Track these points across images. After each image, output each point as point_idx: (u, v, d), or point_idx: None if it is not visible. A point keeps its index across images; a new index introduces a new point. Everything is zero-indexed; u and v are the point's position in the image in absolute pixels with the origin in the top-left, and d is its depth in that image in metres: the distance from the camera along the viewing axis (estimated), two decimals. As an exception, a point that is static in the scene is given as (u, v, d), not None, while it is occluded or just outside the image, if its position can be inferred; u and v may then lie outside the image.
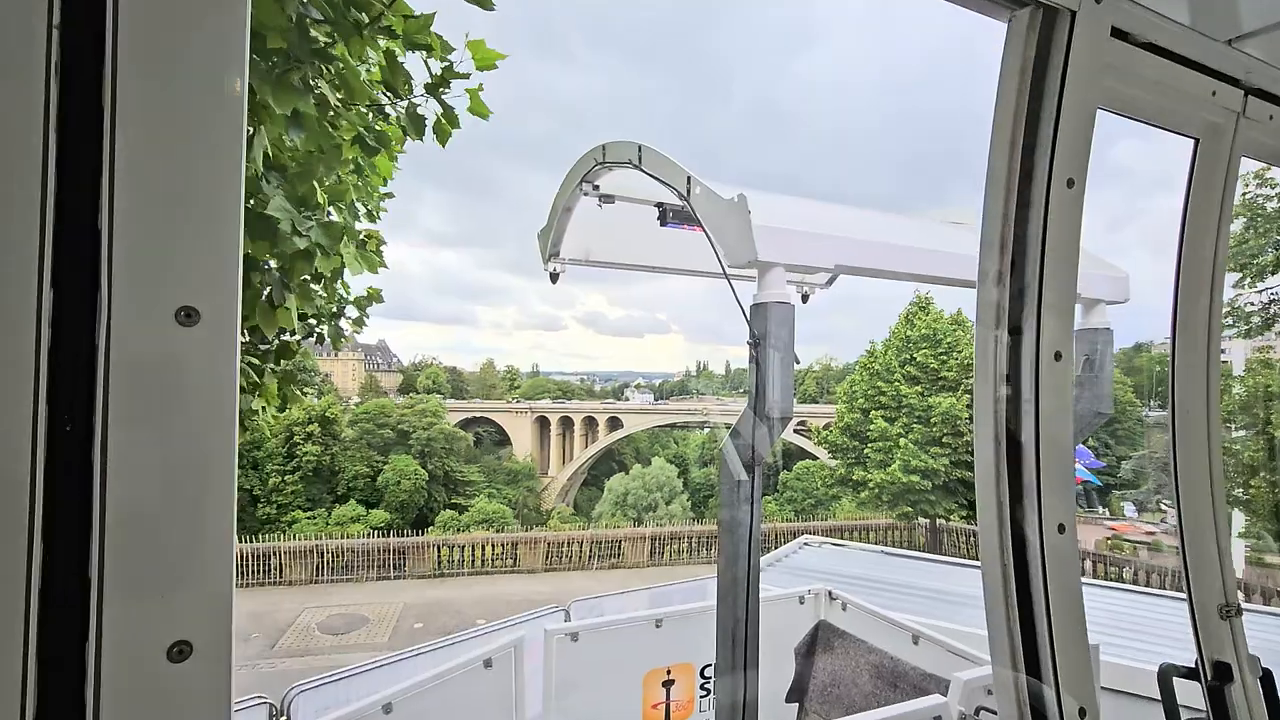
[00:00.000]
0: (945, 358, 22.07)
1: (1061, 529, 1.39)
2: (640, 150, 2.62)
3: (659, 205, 3.25)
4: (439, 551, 18.94)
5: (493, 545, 19.59)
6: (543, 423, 63.62)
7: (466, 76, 2.56)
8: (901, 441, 21.06)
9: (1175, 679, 1.84)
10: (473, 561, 19.27)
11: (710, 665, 4.16)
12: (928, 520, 22.30)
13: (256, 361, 4.58)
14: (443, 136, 2.78)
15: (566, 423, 63.70)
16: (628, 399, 72.31)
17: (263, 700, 5.77)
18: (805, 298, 4.41)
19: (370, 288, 5.08)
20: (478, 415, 63.69)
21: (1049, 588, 1.36)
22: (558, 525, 39.67)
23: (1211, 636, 1.76)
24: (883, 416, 22.11)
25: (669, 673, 4.00)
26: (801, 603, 4.57)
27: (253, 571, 17.99)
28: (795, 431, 53.90)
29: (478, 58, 2.48)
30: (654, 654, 3.98)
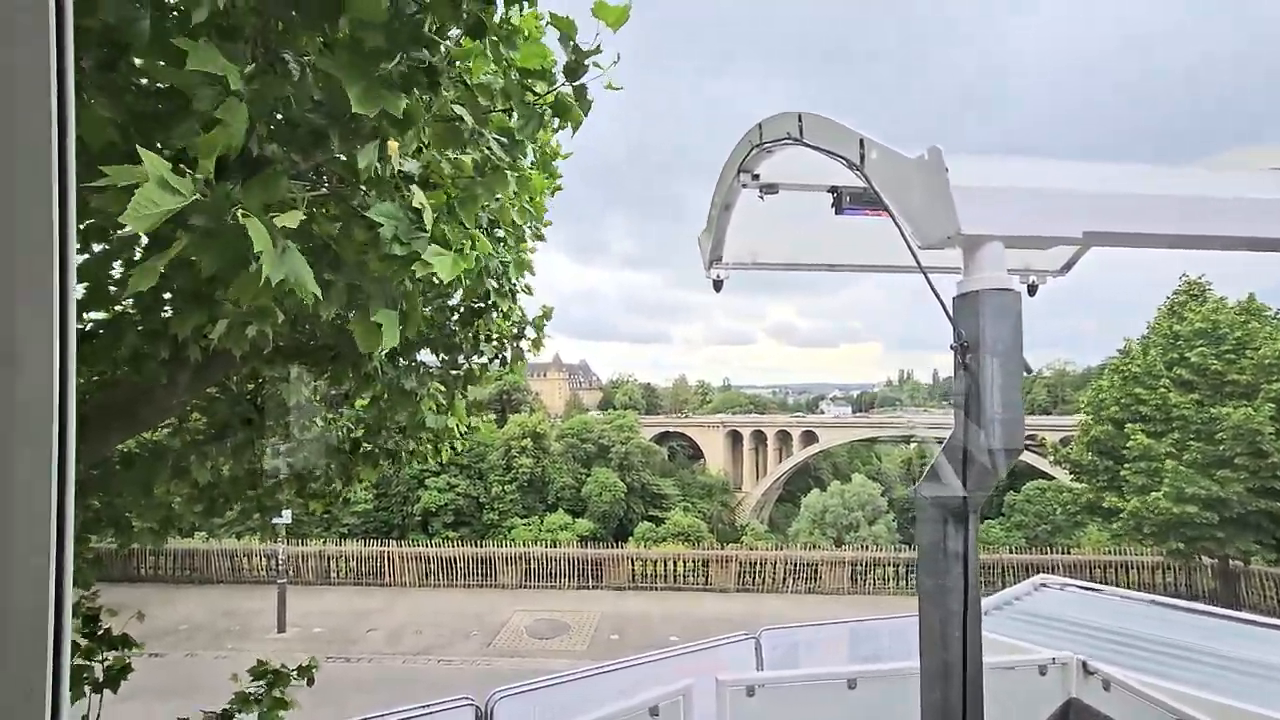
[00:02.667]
0: (1234, 357, 17.10)
1: None
2: (800, 119, 2.17)
3: (833, 189, 2.75)
4: (634, 564, 19.36)
5: (685, 561, 19.54)
6: (735, 437, 63.19)
7: (598, 51, 2.35)
8: (1169, 463, 16.69)
9: None
10: (666, 576, 19.38)
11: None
12: (1214, 561, 17.68)
13: (443, 387, 4.85)
14: (576, 123, 2.59)
15: (759, 437, 62.55)
16: (823, 412, 69.06)
17: (470, 702, 6.07)
18: (1032, 289, 3.53)
19: (544, 305, 5.16)
20: (671, 430, 65.16)
21: None
22: (751, 542, 38.84)
23: None
24: (1144, 431, 17.73)
25: (867, 744, 3.36)
26: (1043, 674, 3.63)
27: (473, 574, 19.90)
28: (1025, 447, 46.98)
29: (608, 19, 2.25)
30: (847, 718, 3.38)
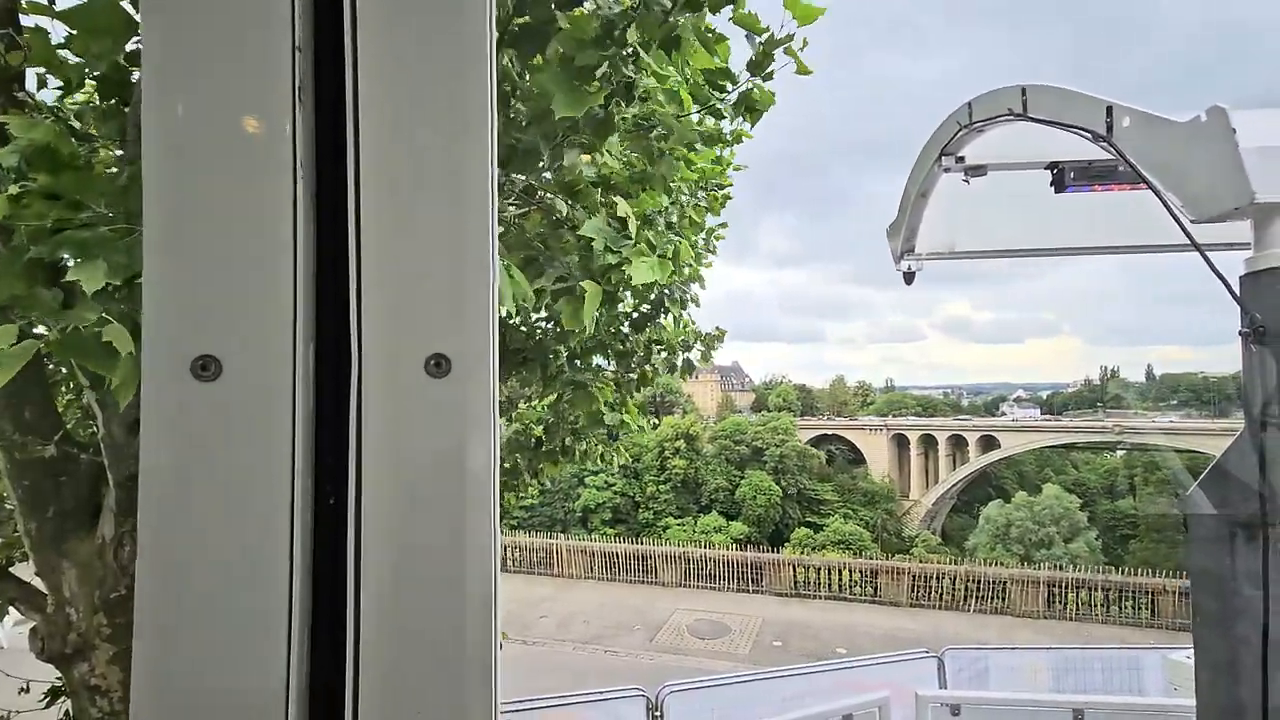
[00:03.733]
0: None
1: None
2: (1025, 93, 2.00)
3: (1052, 166, 2.50)
4: (794, 570, 18.84)
5: (850, 570, 18.64)
6: (900, 441, 59.16)
7: (790, 40, 2.34)
8: None
9: None
10: (830, 585, 18.64)
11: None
12: None
13: (618, 388, 5.10)
14: (754, 116, 2.60)
15: (929, 441, 58.00)
16: (1004, 414, 62.44)
17: (641, 693, 6.29)
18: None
19: (718, 327, 5.24)
20: (829, 433, 62.56)
21: None
22: (923, 555, 36.08)
23: None
24: None
25: (1100, 786, 2.99)
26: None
27: (634, 570, 20.54)
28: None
29: (798, 15, 2.23)
30: (1073, 755, 3.03)
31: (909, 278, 3.32)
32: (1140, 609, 16.57)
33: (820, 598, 18.50)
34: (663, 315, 4.75)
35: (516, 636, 16.11)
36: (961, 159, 2.58)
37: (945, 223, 3.17)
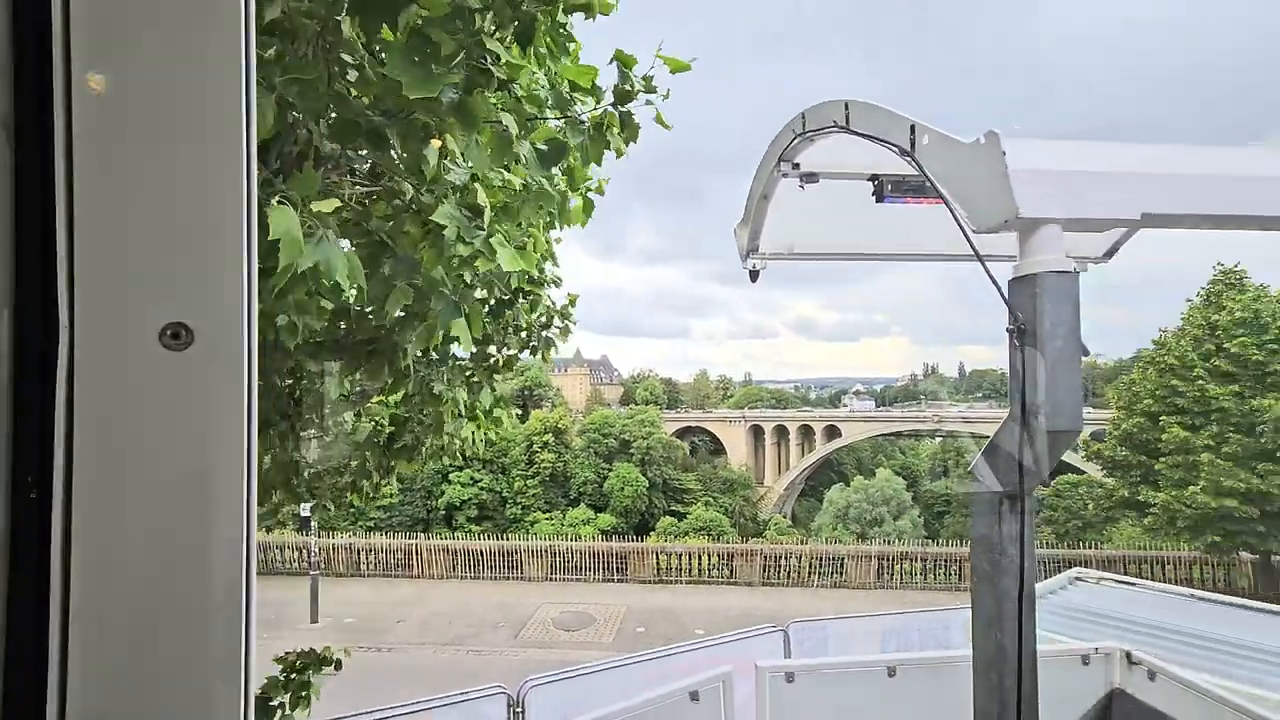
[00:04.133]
0: (1276, 347, 16.57)
1: None
2: (847, 107, 2.18)
3: (873, 178, 2.75)
4: (658, 558, 19.44)
5: (709, 555, 19.56)
6: (756, 432, 62.94)
7: (653, 90, 2.39)
8: (1206, 456, 16.24)
9: None
10: (690, 570, 19.43)
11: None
12: (1254, 557, 17.23)
13: (473, 377, 4.94)
14: (620, 148, 2.63)
15: (781, 432, 62.21)
16: (845, 406, 68.42)
17: (502, 690, 6.15)
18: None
19: (570, 294, 5.22)
20: (692, 425, 65.05)
21: None
22: (774, 537, 38.69)
23: None
24: (1180, 424, 17.31)
25: (908, 732, 3.37)
26: (1086, 663, 3.60)
27: (500, 567, 20.15)
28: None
29: (671, 66, 2.30)
30: (885, 708, 3.38)
31: (754, 276, 3.51)
32: (952, 575, 18.93)
33: (682, 583, 19.24)
34: (522, 299, 4.67)
35: (371, 644, 15.21)
36: (797, 165, 2.77)
37: (786, 225, 3.39)
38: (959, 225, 1.73)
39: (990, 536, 1.71)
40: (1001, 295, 1.63)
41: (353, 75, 2.04)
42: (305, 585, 16.88)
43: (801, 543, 24.90)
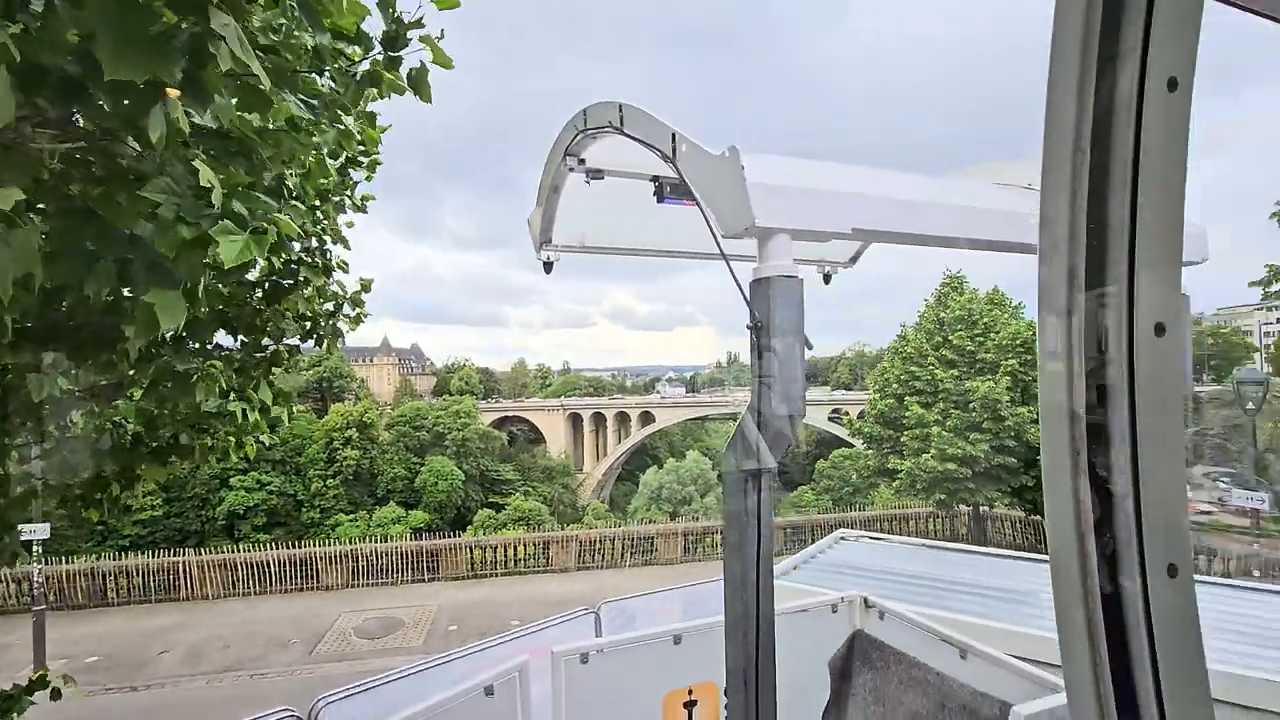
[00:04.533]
0: (982, 339, 21.02)
1: (1173, 571, 1.00)
2: (620, 109, 2.27)
3: (655, 179, 2.89)
4: (472, 553, 18.93)
5: (525, 545, 19.49)
6: (575, 420, 63.86)
7: (420, 25, 2.27)
8: (936, 429, 20.13)
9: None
10: (506, 562, 19.21)
11: (735, 684, 3.81)
12: (969, 508, 21.44)
13: (243, 371, 4.38)
14: (425, 96, 2.49)
15: (599, 419, 63.79)
16: (659, 393, 72.01)
17: (291, 713, 5.60)
18: (827, 278, 4.01)
19: (362, 279, 4.85)
20: (511, 414, 64.20)
21: (1158, 658, 0.98)
22: (592, 522, 39.69)
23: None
24: (918, 403, 21.20)
25: (690, 693, 3.66)
26: (835, 611, 4.18)
27: (292, 578, 18.22)
28: (829, 419, 52.99)
29: (438, 3, 2.18)
30: (674, 673, 3.64)
31: (548, 267, 3.53)
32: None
33: (498, 575, 18.96)
34: (301, 285, 4.25)
35: (120, 684, 12.96)
36: (583, 161, 2.83)
37: (578, 218, 3.46)
38: (710, 229, 1.90)
39: (737, 511, 1.91)
40: (743, 295, 1.82)
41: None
42: (29, 625, 13.87)
43: (617, 526, 25.84)
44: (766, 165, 1.82)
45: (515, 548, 19.29)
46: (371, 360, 71.55)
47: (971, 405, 19.94)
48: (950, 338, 21.58)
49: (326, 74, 2.41)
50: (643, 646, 3.64)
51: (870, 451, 23.99)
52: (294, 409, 5.46)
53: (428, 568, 18.70)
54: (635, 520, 40.69)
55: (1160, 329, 1.00)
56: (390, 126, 4.44)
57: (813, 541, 9.52)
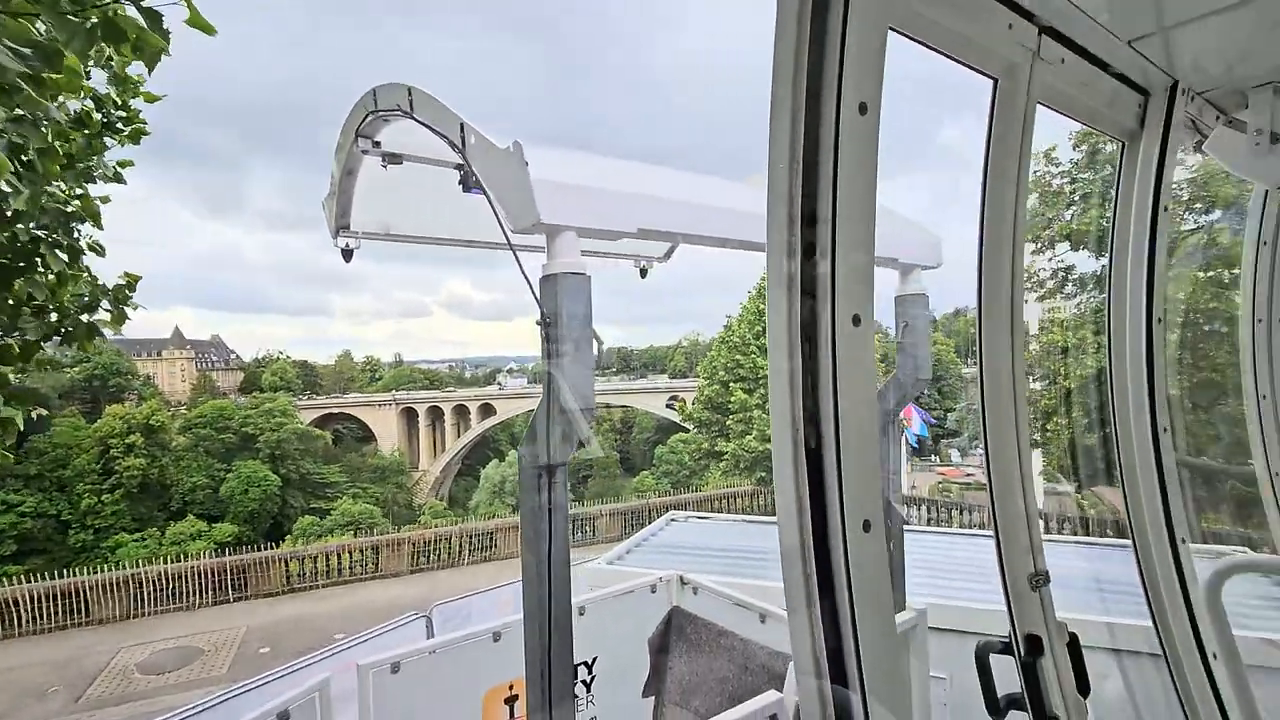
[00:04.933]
0: None
1: (867, 526, 1.17)
2: (410, 93, 2.17)
3: (459, 167, 2.80)
4: (288, 565, 17.20)
5: (350, 552, 18.11)
6: (409, 415, 60.45)
7: None
8: (757, 412, 22.09)
9: (992, 655, 1.77)
10: (330, 572, 17.71)
11: (557, 673, 3.86)
12: None
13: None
14: (148, 56, 2.18)
15: (436, 413, 60.92)
16: (501, 384, 70.38)
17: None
18: (644, 272, 4.16)
19: (127, 274, 4.20)
20: (336, 411, 59.29)
21: (854, 596, 1.15)
22: (429, 521, 37.97)
23: (1024, 609, 1.69)
24: (742, 389, 23.05)
25: (511, 688, 3.64)
26: (654, 591, 4.39)
27: (51, 615, 15.33)
28: (667, 406, 55.32)
29: None
30: (495, 670, 3.61)
31: (347, 255, 3.30)
32: (587, 532, 21.18)
33: (319, 587, 17.43)
34: (40, 269, 3.59)
35: None
36: (378, 144, 2.67)
37: (382, 204, 3.26)
38: (499, 224, 1.88)
39: (533, 506, 1.93)
40: (533, 292, 1.83)
41: None
42: None
43: (458, 523, 24.93)
44: (554, 162, 1.84)
45: (339, 555, 17.85)
46: (160, 354, 62.12)
47: None
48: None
49: (40, 20, 2.03)
50: (460, 648, 3.55)
51: (701, 435, 25.53)
52: (42, 412, 4.60)
53: (233, 586, 16.67)
54: (477, 516, 39.58)
55: (856, 320, 1.17)
56: (165, 96, 3.90)
57: (648, 523, 9.91)
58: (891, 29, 1.21)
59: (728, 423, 23.16)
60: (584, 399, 1.82)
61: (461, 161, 2.77)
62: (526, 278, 1.84)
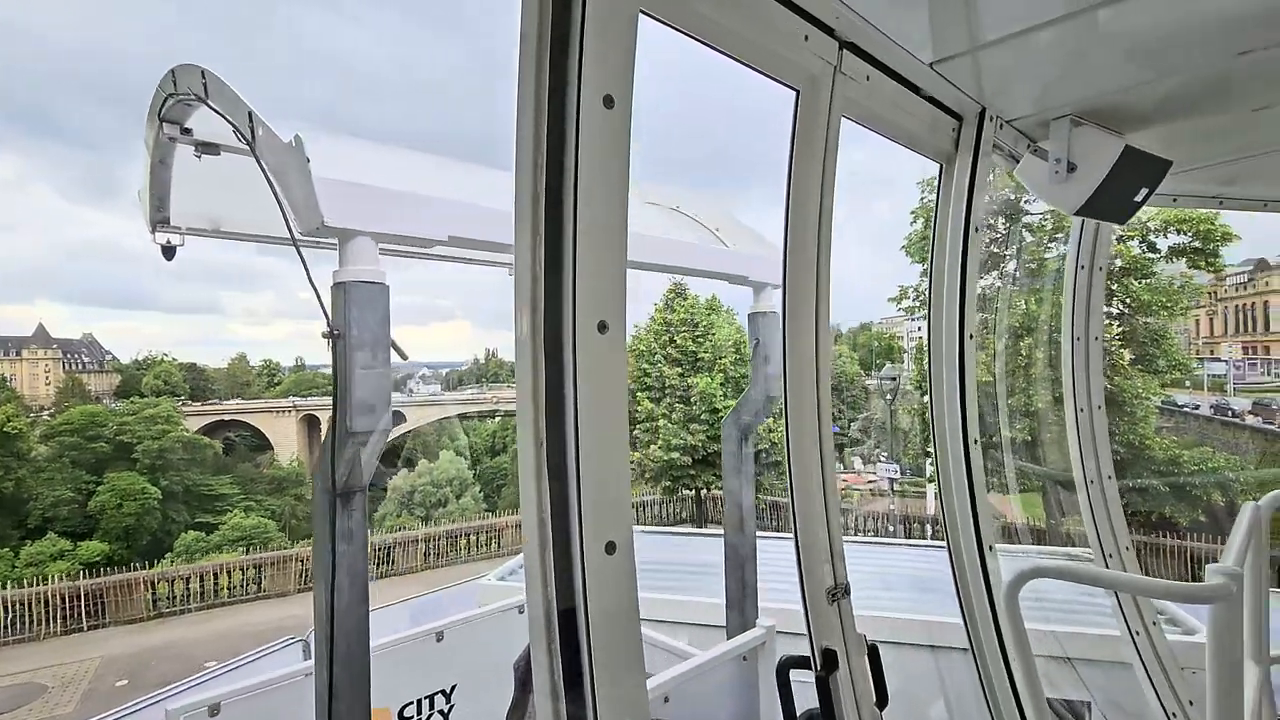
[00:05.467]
0: (701, 340, 24.13)
1: (611, 549, 1.11)
2: (204, 76, 1.96)
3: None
4: (156, 587, 15.71)
5: (231, 571, 16.78)
6: (310, 422, 57.06)
7: None
8: (663, 421, 22.66)
9: (792, 670, 1.76)
10: (206, 593, 16.32)
11: (410, 704, 3.63)
12: (691, 492, 24.34)
13: None
14: None
15: (341, 420, 57.68)
16: (412, 391, 67.77)
17: None
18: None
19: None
20: (228, 418, 55.20)
21: (590, 625, 1.08)
22: (329, 534, 35.81)
23: (821, 623, 1.69)
24: (648, 398, 23.50)
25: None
26: (521, 612, 4.24)
27: None
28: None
29: None
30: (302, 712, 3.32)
31: (168, 252, 2.99)
32: (494, 544, 20.68)
33: (193, 610, 16.02)
34: None
35: None
36: (188, 130, 2.42)
37: (212, 198, 2.98)
38: (286, 225, 1.72)
39: (324, 534, 1.76)
40: (320, 301, 1.67)
41: None
42: None
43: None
44: (350, 159, 1.70)
45: (218, 575, 16.49)
46: (20, 354, 55.84)
47: (693, 399, 22.77)
48: (676, 338, 24.26)
49: None
50: (293, 684, 3.26)
51: None
52: None
53: (89, 614, 15.05)
54: (384, 529, 37.81)
55: (603, 327, 1.11)
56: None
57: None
58: (645, 13, 1.16)
59: (634, 431, 23.43)
60: (377, 420, 1.68)
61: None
62: (314, 286, 1.69)
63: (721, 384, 22.95)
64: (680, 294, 25.17)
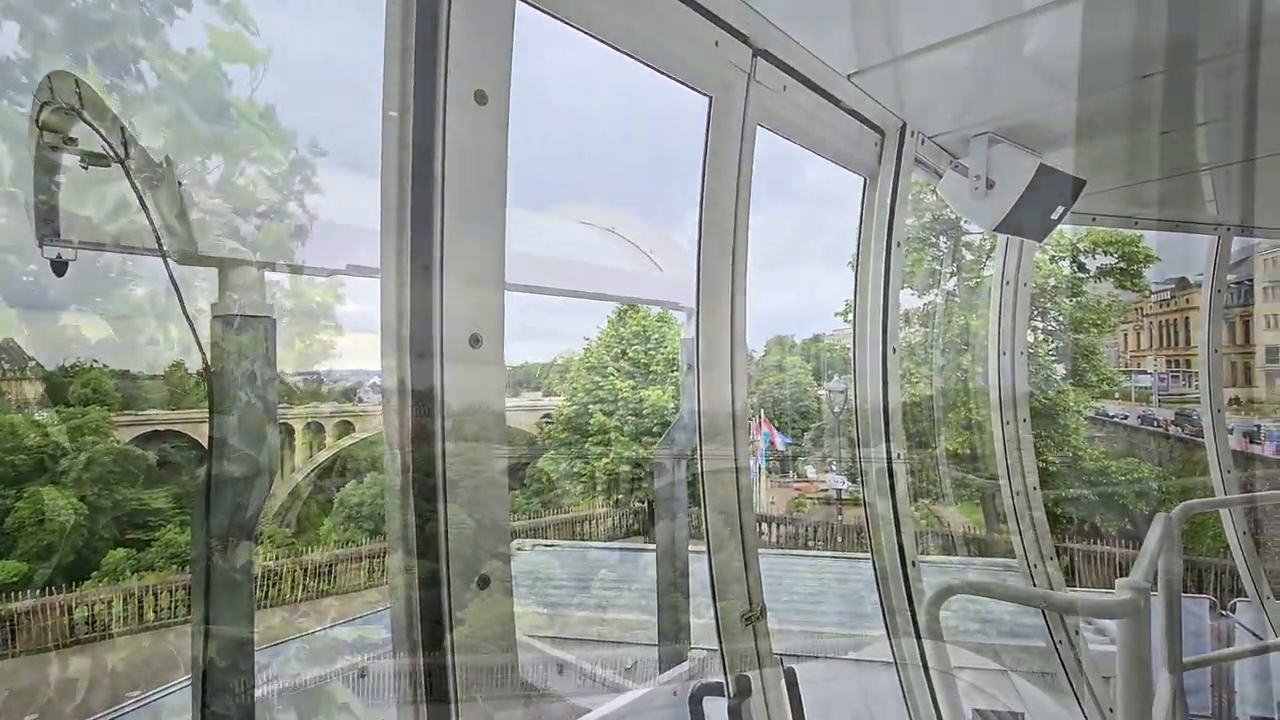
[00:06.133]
0: (654, 353, 24.18)
1: (485, 583, 1.02)
2: (79, 86, 1.80)
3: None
4: (70, 613, 14.69)
5: (159, 593, 15.83)
6: (253, 433, 54.84)
7: None
8: (615, 434, 22.64)
9: (706, 698, 1.70)
10: (130, 617, 15.35)
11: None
12: (643, 504, 24.36)
13: None
14: None
15: (286, 430, 55.68)
16: (361, 400, 65.78)
17: None
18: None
19: None
20: (164, 429, 52.52)
21: (455, 668, 0.99)
22: (270, 551, 34.36)
23: (735, 648, 1.63)
24: (601, 410, 23.45)
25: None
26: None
27: None
28: (538, 425, 54.37)
29: None
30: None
31: (59, 267, 2.76)
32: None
33: (115, 636, 15.04)
34: None
35: None
36: (73, 140, 2.23)
37: (110, 209, 2.76)
38: (159, 247, 1.57)
39: (201, 582, 1.61)
40: (195, 337, 1.52)
41: None
42: None
43: (299, 553, 22.73)
44: (231, 182, 1.57)
45: (138, 599, 15.52)
46: (-70, 361, 52.00)
47: (645, 412, 22.74)
48: (629, 351, 24.25)
49: None
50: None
51: (560, 457, 25.68)
52: None
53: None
54: (329, 543, 36.38)
55: (475, 341, 1.03)
56: None
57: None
58: (527, 3, 1.09)
59: (586, 445, 23.36)
60: (259, 464, 1.54)
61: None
62: (189, 319, 1.53)
63: (673, 396, 23.04)
64: (633, 306, 25.23)
